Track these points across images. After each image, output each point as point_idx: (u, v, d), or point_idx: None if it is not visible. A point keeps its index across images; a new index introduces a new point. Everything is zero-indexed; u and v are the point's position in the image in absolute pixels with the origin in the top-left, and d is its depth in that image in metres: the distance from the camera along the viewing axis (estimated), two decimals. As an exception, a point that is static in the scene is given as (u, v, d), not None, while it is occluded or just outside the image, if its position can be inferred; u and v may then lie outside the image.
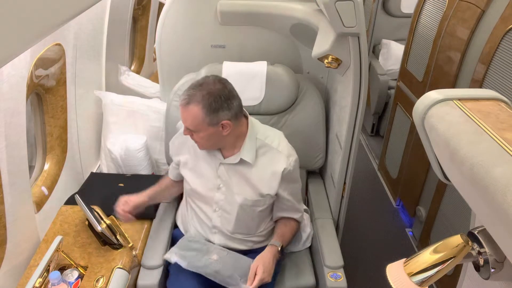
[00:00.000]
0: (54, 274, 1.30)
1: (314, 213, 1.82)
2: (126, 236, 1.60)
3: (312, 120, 1.86)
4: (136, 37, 3.29)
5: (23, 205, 1.50)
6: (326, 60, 1.55)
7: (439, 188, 2.17)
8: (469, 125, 0.64)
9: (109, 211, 1.58)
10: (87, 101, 2.07)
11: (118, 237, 1.52)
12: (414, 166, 2.55)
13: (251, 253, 1.57)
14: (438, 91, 0.74)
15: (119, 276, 1.43)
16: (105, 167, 2.10)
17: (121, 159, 2.01)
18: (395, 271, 0.70)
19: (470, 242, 0.68)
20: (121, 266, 1.46)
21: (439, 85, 2.19)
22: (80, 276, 1.40)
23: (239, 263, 1.51)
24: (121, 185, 1.89)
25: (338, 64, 1.55)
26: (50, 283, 1.31)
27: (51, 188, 1.79)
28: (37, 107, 1.75)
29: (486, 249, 0.67)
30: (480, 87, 1.77)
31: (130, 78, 2.42)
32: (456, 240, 0.68)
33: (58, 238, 1.44)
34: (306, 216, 1.75)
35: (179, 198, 1.89)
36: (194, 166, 1.57)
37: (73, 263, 1.45)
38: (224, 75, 1.75)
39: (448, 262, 0.67)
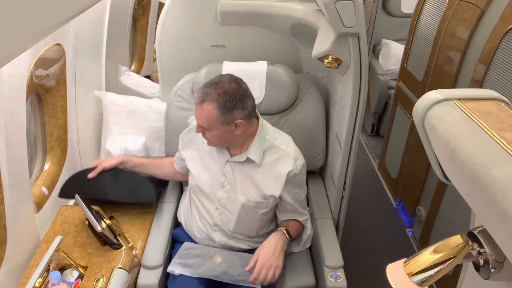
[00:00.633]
0: (54, 274, 1.30)
1: (314, 213, 1.81)
2: (126, 236, 1.61)
3: (312, 120, 1.86)
4: (136, 37, 3.29)
5: (23, 205, 1.50)
6: (326, 60, 1.55)
7: (439, 188, 2.17)
8: (469, 125, 0.64)
9: (98, 194, 1.68)
10: (87, 101, 2.06)
11: (118, 237, 1.53)
12: (414, 166, 2.54)
13: (253, 252, 1.56)
14: (438, 91, 0.74)
15: (119, 276, 1.43)
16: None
17: (120, 159, 2.01)
18: (395, 271, 0.70)
19: (470, 242, 0.68)
20: (121, 266, 1.46)
21: (439, 85, 2.19)
22: (80, 276, 1.40)
23: (244, 260, 1.51)
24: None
25: (338, 64, 1.55)
26: (50, 283, 1.31)
27: (51, 188, 1.78)
28: (37, 107, 1.75)
29: (486, 249, 0.67)
30: (480, 87, 1.77)
31: (130, 78, 2.42)
32: (456, 240, 0.68)
33: (58, 238, 1.44)
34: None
35: (179, 197, 1.89)
36: (201, 162, 1.58)
37: (73, 263, 1.45)
38: (224, 75, 1.75)
39: (448, 262, 0.67)
